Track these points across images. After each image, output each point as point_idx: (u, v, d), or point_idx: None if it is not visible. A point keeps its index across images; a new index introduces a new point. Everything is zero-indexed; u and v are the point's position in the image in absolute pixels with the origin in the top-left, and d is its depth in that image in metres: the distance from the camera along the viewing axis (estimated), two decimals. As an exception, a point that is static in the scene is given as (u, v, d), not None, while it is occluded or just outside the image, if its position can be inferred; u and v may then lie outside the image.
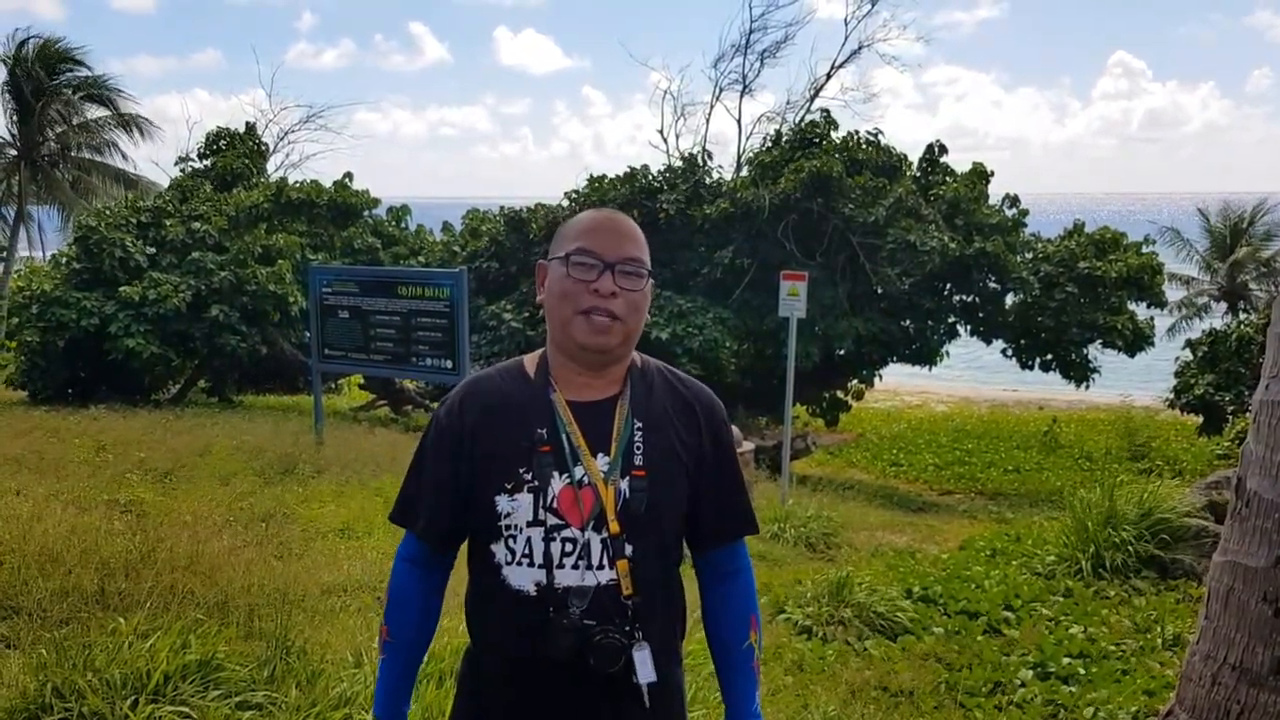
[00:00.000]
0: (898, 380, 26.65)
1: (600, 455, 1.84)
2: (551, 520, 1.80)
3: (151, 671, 3.45)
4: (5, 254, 26.62)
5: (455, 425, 1.88)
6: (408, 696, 2.03)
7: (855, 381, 20.10)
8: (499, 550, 1.82)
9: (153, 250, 15.61)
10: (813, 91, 21.29)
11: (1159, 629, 5.70)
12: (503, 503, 1.81)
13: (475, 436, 1.86)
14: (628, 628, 1.79)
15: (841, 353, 17.94)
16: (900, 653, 5.47)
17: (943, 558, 8.25)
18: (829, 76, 21.52)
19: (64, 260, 15.93)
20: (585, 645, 1.76)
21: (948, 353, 18.84)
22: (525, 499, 1.81)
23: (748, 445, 12.50)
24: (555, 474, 1.81)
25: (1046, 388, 26.40)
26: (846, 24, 21.72)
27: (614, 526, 1.81)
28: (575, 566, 1.80)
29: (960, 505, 15.31)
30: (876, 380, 20.63)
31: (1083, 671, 5.13)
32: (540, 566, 1.80)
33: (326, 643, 4.30)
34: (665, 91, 22.94)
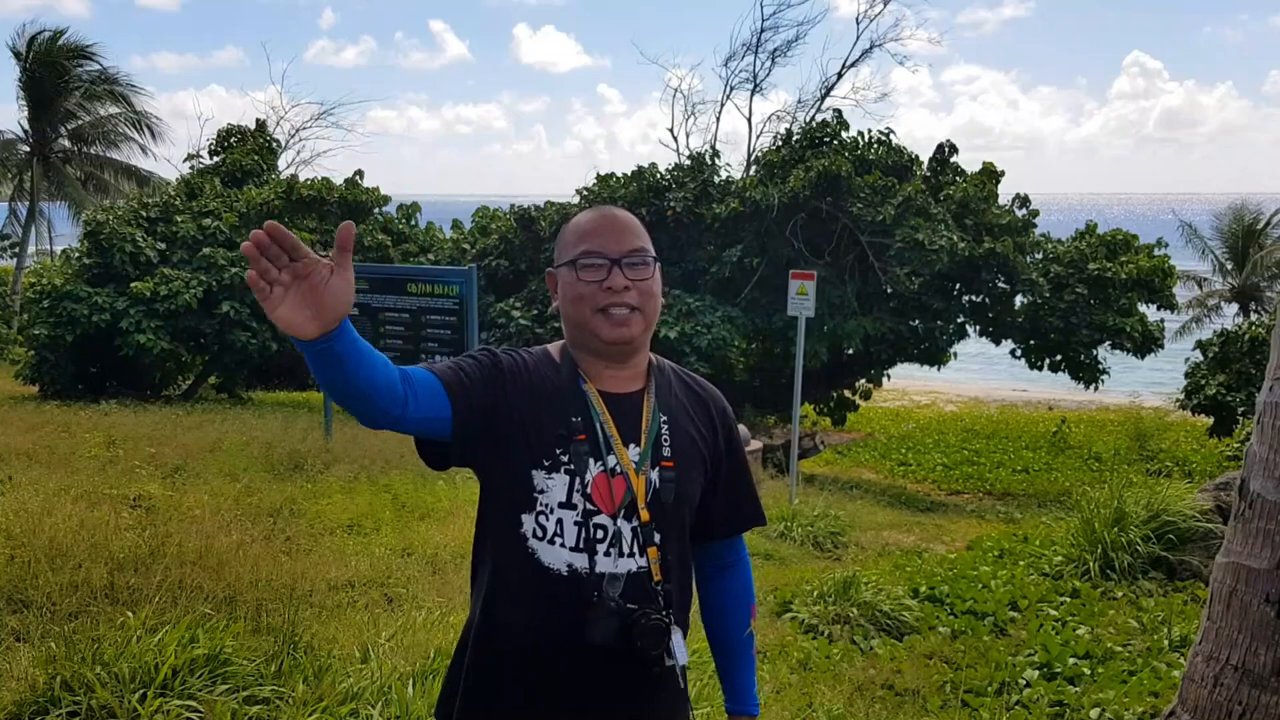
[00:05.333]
0: (906, 380, 26.61)
1: (631, 446, 1.87)
2: (584, 505, 1.83)
3: (160, 665, 3.48)
4: (18, 249, 26.76)
5: (506, 364, 1.86)
6: (353, 343, 1.61)
7: (863, 381, 20.09)
8: (529, 521, 1.83)
9: (163, 246, 15.68)
10: (824, 90, 21.29)
11: (1165, 630, 5.69)
12: (539, 478, 1.83)
13: (518, 394, 1.84)
14: (663, 611, 1.83)
15: (850, 352, 17.93)
16: (906, 652, 5.47)
17: (950, 557, 8.25)
18: (840, 75, 21.50)
19: (75, 255, 16.01)
20: (631, 628, 1.78)
21: (956, 353, 18.81)
22: (561, 479, 1.83)
23: (756, 444, 12.51)
24: (590, 461, 1.84)
25: (1056, 388, 26.34)
26: (858, 23, 21.70)
27: (644, 515, 1.85)
28: (608, 553, 1.82)
29: (968, 505, 15.28)
30: (885, 380, 20.61)
31: (1088, 672, 5.12)
32: (575, 550, 1.81)
33: (334, 638, 4.33)
34: (675, 90, 22.98)
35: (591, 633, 1.78)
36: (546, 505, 1.83)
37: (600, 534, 1.83)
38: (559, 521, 1.82)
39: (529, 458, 1.83)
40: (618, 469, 1.85)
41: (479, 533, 1.94)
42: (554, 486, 1.83)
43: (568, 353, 1.94)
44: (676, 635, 1.83)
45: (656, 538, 1.85)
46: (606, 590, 1.80)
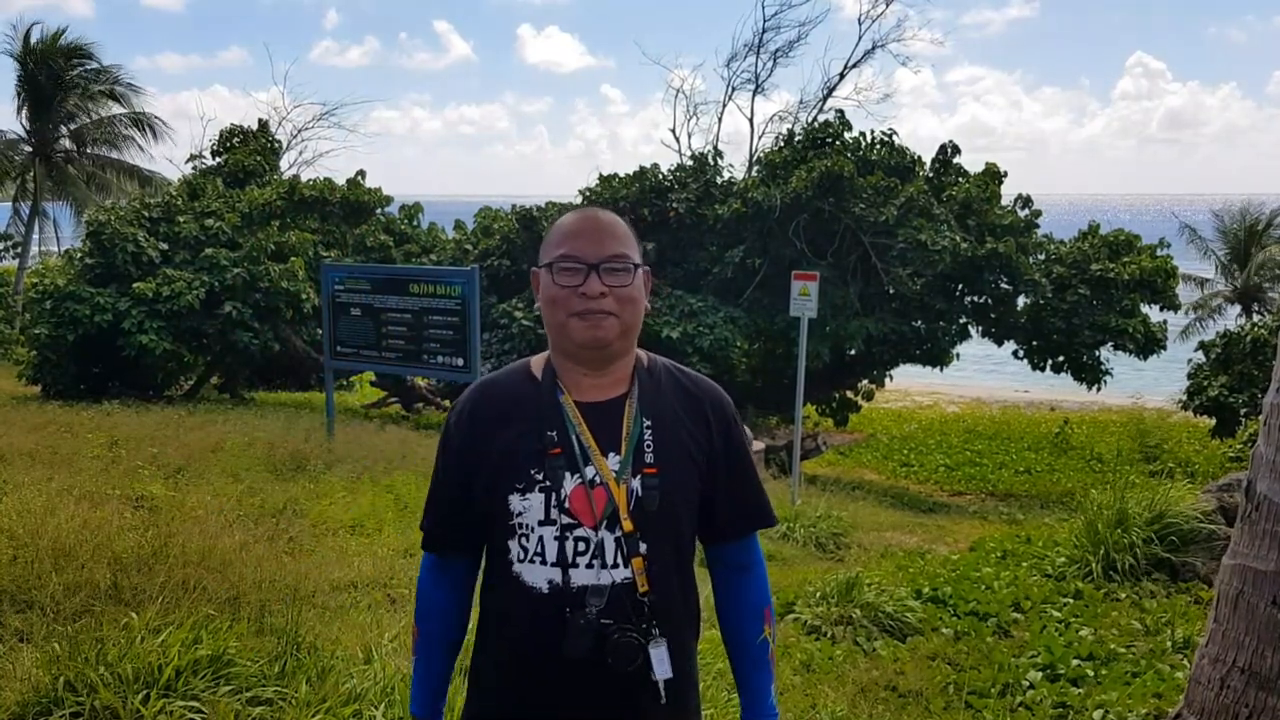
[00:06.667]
0: (908, 381, 26.61)
1: (611, 454, 1.85)
2: (564, 520, 1.81)
3: (163, 666, 3.48)
4: (20, 250, 26.76)
5: (463, 429, 1.92)
6: (443, 694, 2.07)
7: (866, 381, 20.08)
8: (514, 546, 1.84)
9: (165, 246, 15.68)
10: (825, 91, 21.29)
11: (1169, 631, 5.68)
12: (515, 502, 1.83)
13: (485, 438, 1.88)
14: (644, 625, 1.80)
15: (852, 353, 17.94)
16: (909, 653, 5.46)
17: (953, 559, 8.24)
18: (842, 76, 21.52)
19: (77, 256, 16.01)
20: (603, 645, 1.77)
21: (959, 354, 18.83)
22: (537, 498, 1.82)
23: (758, 445, 12.51)
24: (567, 474, 1.82)
25: (1058, 389, 26.33)
26: (860, 23, 21.70)
27: (627, 525, 1.82)
28: (590, 565, 1.81)
29: (971, 506, 15.28)
30: (887, 380, 20.63)
31: (1092, 673, 5.11)
32: (554, 565, 1.81)
33: (337, 639, 4.33)
34: (678, 91, 22.94)
35: (566, 649, 1.78)
36: (526, 526, 1.83)
37: (581, 547, 1.81)
38: (539, 539, 1.82)
39: (506, 485, 1.84)
40: (597, 479, 1.83)
41: (486, 562, 1.98)
42: (531, 507, 1.83)
43: (550, 364, 1.93)
44: (658, 649, 1.81)
45: (642, 548, 1.82)
46: (588, 603, 1.79)
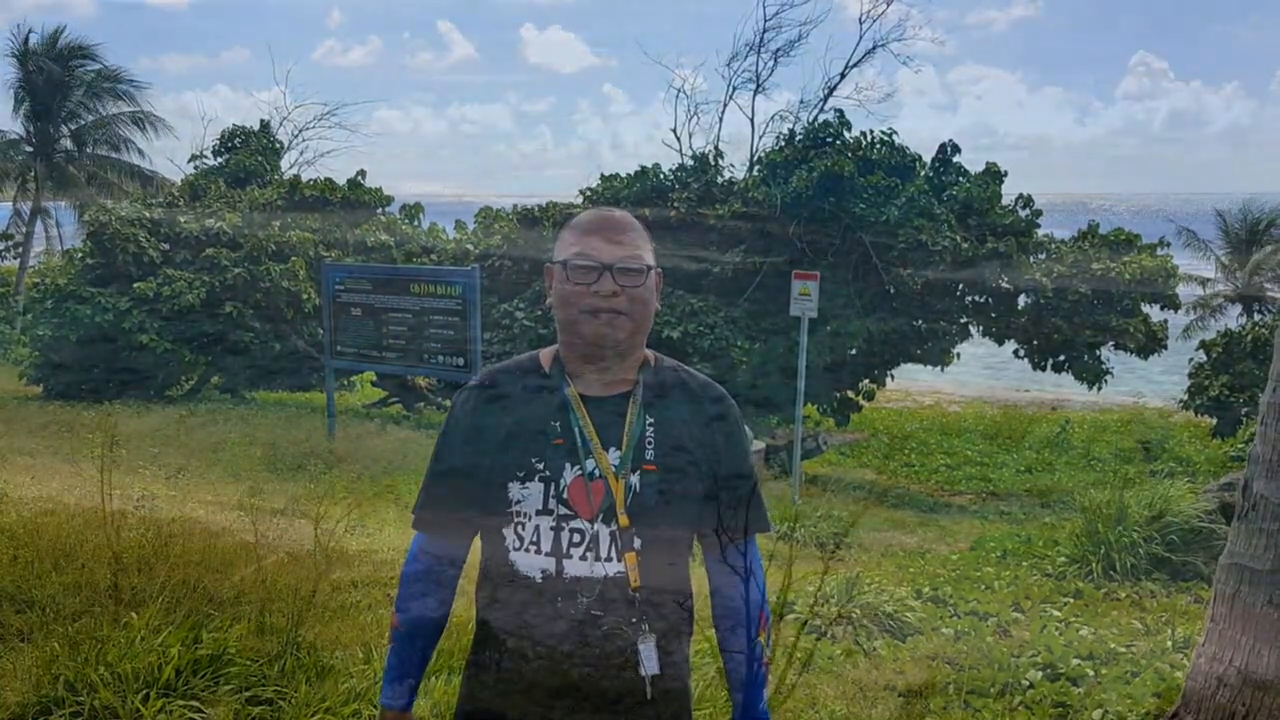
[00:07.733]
0: (909, 380, 26.57)
1: (612, 449, 1.87)
2: (561, 510, 1.83)
3: (163, 666, 3.48)
4: (21, 250, 26.78)
5: (469, 414, 1.93)
6: (416, 685, 2.03)
7: (866, 381, 20.05)
8: (509, 534, 1.86)
9: (166, 246, 15.70)
10: (826, 90, 21.25)
11: (1169, 631, 5.68)
12: (514, 490, 1.85)
13: (490, 424, 1.90)
14: (634, 620, 1.82)
15: (853, 352, 17.91)
16: (909, 653, 5.46)
17: (953, 558, 8.24)
18: (843, 76, 21.43)
19: (78, 256, 16.02)
20: (592, 637, 1.79)
21: (959, 353, 18.80)
22: (536, 488, 1.84)
23: (758, 445, 12.50)
24: (567, 465, 1.85)
25: (1059, 388, 26.31)
26: (860, 23, 21.64)
27: (623, 520, 1.83)
28: (584, 557, 1.82)
29: (971, 506, 15.26)
30: (888, 380, 20.59)
31: (1092, 673, 5.11)
32: (548, 555, 1.83)
33: (337, 639, 4.33)
34: (679, 90, 22.86)
35: (556, 639, 1.79)
36: (524, 514, 1.85)
37: (576, 538, 1.83)
38: (536, 528, 1.84)
39: (506, 473, 1.86)
40: (596, 473, 1.84)
41: (481, 551, 1.98)
42: (530, 495, 1.84)
43: (558, 358, 1.95)
44: (646, 645, 1.82)
45: (636, 543, 1.84)
46: (576, 596, 1.80)
